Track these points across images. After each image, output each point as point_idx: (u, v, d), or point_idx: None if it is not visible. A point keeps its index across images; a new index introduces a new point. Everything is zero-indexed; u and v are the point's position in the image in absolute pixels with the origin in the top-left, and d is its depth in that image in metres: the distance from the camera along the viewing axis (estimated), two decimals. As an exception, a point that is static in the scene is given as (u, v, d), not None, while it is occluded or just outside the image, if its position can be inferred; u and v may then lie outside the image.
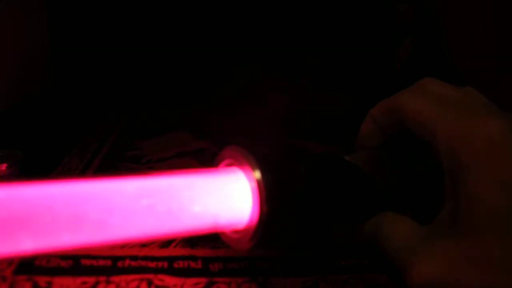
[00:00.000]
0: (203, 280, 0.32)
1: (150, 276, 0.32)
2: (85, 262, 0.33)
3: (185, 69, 0.90)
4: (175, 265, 0.33)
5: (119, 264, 0.33)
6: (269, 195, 0.27)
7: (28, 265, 0.32)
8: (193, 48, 0.89)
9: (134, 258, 0.34)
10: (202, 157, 0.58)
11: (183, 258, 0.34)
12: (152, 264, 0.33)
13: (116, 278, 0.31)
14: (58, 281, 0.31)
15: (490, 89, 0.70)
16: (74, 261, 0.33)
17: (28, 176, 0.39)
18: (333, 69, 0.76)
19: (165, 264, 0.33)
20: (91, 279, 0.31)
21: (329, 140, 0.69)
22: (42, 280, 0.31)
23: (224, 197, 0.27)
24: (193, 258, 0.34)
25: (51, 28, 0.81)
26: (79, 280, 0.31)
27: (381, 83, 0.74)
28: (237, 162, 0.29)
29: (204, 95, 0.87)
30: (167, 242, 0.36)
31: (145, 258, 0.34)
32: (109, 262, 0.33)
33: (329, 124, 0.74)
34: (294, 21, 0.91)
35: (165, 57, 0.90)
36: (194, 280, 0.32)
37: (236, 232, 0.29)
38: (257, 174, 0.27)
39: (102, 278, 0.31)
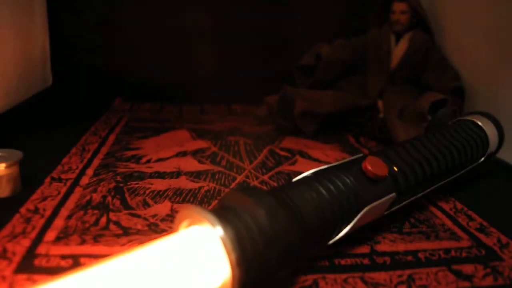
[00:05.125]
0: (202, 279, 0.32)
1: (150, 275, 0.32)
2: (85, 261, 0.33)
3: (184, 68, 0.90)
4: (175, 264, 0.33)
5: (119, 263, 0.33)
6: (235, 250, 0.26)
7: (27, 264, 0.33)
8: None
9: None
10: (202, 156, 0.58)
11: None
12: (151, 263, 0.33)
13: (115, 277, 0.31)
14: (58, 280, 0.31)
15: (485, 82, 0.70)
16: (74, 261, 0.33)
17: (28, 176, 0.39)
18: (330, 69, 0.76)
19: (165, 263, 0.33)
20: (90, 278, 0.31)
21: (329, 140, 0.69)
22: (41, 279, 0.31)
23: (192, 262, 0.27)
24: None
25: (52, 29, 0.81)
26: (79, 279, 0.31)
27: (378, 81, 0.74)
28: (197, 221, 0.29)
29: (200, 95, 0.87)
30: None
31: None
32: (108, 262, 0.33)
33: (328, 123, 0.74)
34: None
35: (164, 58, 0.90)
36: (193, 279, 0.32)
37: None
38: (219, 231, 0.27)
39: (102, 277, 0.31)
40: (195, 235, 0.28)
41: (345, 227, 0.35)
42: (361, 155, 0.39)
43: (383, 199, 0.37)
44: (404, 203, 0.41)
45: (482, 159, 0.49)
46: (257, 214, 0.29)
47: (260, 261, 0.28)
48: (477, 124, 0.49)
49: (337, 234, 0.35)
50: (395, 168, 0.39)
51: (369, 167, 0.36)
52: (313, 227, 0.32)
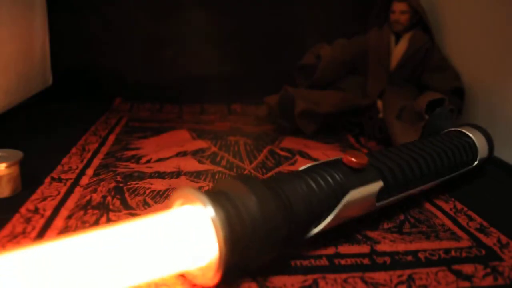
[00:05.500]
0: (202, 279, 0.32)
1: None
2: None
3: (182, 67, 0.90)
4: (175, 264, 0.33)
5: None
6: (224, 230, 0.28)
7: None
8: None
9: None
10: (202, 156, 0.58)
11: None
12: (151, 263, 0.33)
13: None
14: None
15: (485, 82, 0.70)
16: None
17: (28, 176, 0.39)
18: (330, 69, 0.76)
19: (165, 263, 0.33)
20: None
21: (329, 140, 0.69)
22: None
23: (183, 239, 0.28)
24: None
25: (52, 29, 0.81)
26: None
27: (378, 80, 0.74)
28: (189, 201, 0.30)
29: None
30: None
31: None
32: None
33: (328, 123, 0.74)
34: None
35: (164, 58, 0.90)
36: (193, 279, 0.32)
37: (200, 269, 0.30)
38: (210, 211, 0.28)
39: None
40: (187, 213, 0.29)
41: (332, 212, 0.36)
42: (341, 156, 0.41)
43: (369, 185, 0.38)
44: (396, 197, 0.42)
45: (476, 163, 0.52)
46: (249, 199, 0.30)
47: (247, 243, 0.29)
48: (465, 133, 0.53)
49: (324, 219, 0.36)
50: (379, 161, 0.41)
51: (349, 157, 0.38)
52: (300, 216, 0.34)
